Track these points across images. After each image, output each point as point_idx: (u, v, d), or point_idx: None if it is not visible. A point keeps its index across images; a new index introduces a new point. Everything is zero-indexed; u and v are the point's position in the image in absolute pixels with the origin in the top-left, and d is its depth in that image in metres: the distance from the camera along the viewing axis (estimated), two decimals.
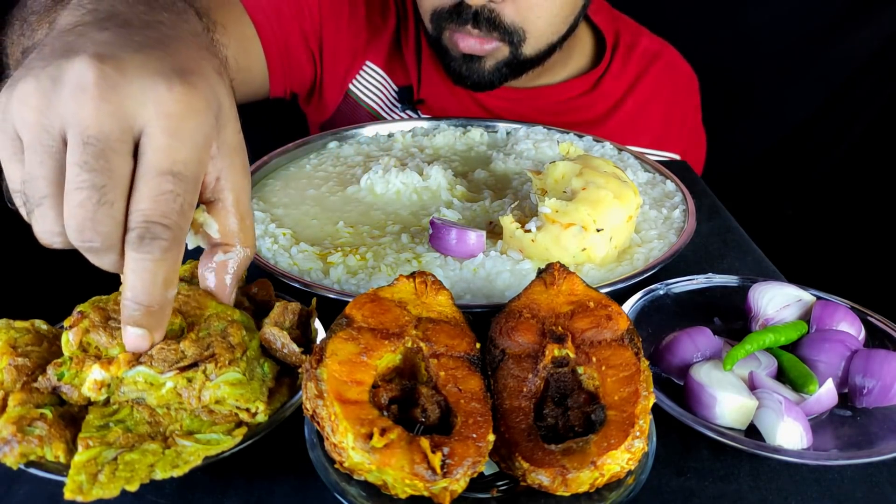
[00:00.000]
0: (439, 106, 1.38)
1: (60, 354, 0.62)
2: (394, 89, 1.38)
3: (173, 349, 0.56)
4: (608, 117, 1.41)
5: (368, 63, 1.37)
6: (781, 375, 0.69)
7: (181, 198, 0.51)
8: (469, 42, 1.17)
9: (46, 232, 0.53)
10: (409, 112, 1.39)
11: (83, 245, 0.51)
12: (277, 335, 0.63)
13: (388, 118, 1.39)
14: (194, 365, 0.56)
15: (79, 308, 0.61)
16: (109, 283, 0.90)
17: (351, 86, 1.37)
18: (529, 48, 1.20)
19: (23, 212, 0.54)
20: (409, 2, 1.37)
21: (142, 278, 0.52)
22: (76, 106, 0.49)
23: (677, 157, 1.44)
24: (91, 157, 0.49)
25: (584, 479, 0.51)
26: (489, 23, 1.14)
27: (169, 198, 0.51)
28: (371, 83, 1.38)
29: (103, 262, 0.53)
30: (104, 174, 0.49)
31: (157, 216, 0.50)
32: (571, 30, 1.26)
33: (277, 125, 1.62)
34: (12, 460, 0.53)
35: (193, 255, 0.63)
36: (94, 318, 0.60)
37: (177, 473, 0.51)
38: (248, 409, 0.56)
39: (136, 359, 0.56)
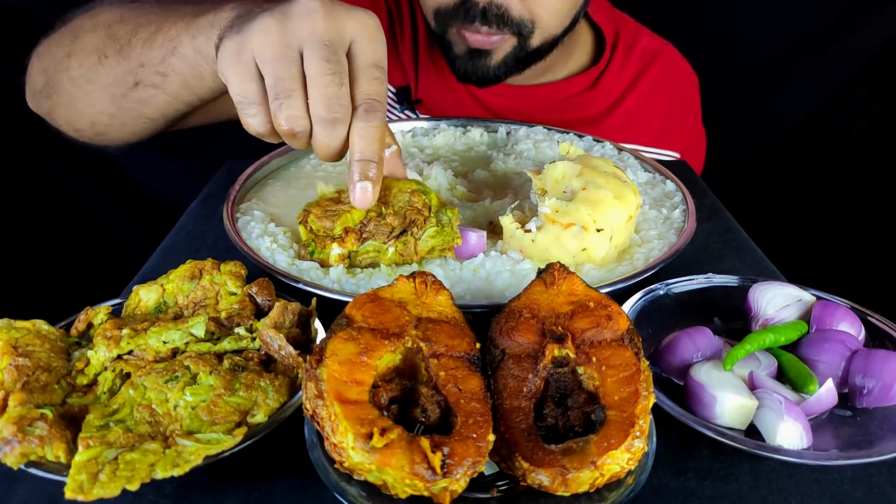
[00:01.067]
0: (438, 105, 1.38)
1: (61, 354, 0.62)
2: (391, 91, 1.38)
3: (385, 224, 0.78)
4: (608, 115, 1.41)
5: None
6: (781, 375, 0.69)
7: (384, 81, 0.74)
8: (477, 37, 1.17)
9: (292, 116, 0.71)
10: (407, 112, 1.38)
11: (330, 117, 0.70)
12: (274, 337, 0.63)
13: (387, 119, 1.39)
14: (403, 232, 0.79)
15: (303, 207, 0.81)
16: (109, 283, 0.91)
17: None
18: (536, 40, 1.20)
19: (252, 109, 0.73)
20: (405, 3, 1.37)
21: (368, 140, 0.72)
22: (311, 24, 0.70)
23: (677, 155, 1.44)
24: (330, 54, 0.70)
25: (584, 479, 0.51)
26: (498, 18, 1.14)
27: (379, 81, 0.73)
28: None
29: (337, 133, 0.72)
30: (340, 64, 0.70)
31: (375, 94, 0.72)
32: (573, 24, 1.26)
33: None
34: (13, 460, 0.53)
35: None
36: (316, 212, 0.79)
37: (177, 473, 0.51)
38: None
39: (361, 237, 0.78)
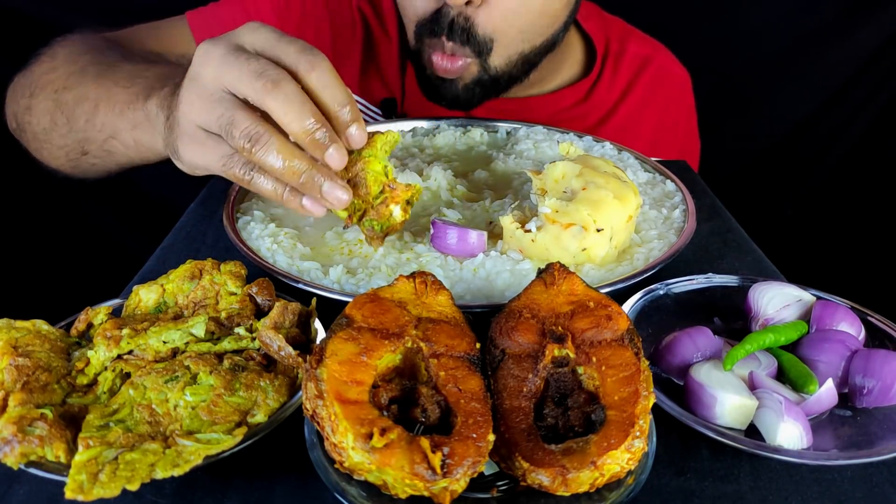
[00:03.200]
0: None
1: (61, 354, 0.62)
2: (372, 108, 1.37)
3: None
4: (600, 126, 1.40)
5: None
6: (781, 375, 0.69)
7: (303, 42, 0.72)
8: (442, 62, 1.14)
9: (242, 131, 0.70)
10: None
11: (263, 83, 0.68)
12: (273, 338, 0.63)
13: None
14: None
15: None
16: (109, 283, 0.91)
17: None
18: (498, 58, 1.15)
19: (233, 165, 0.75)
20: (392, 17, 1.35)
21: (330, 85, 0.71)
22: (213, 64, 0.71)
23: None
24: (236, 54, 0.70)
25: (584, 479, 0.51)
26: (463, 33, 1.10)
27: (296, 41, 0.72)
28: None
29: (286, 90, 0.69)
30: (250, 53, 0.71)
31: (302, 49, 0.71)
32: (552, 43, 1.22)
33: None
34: (13, 460, 0.53)
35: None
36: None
37: (177, 473, 0.51)
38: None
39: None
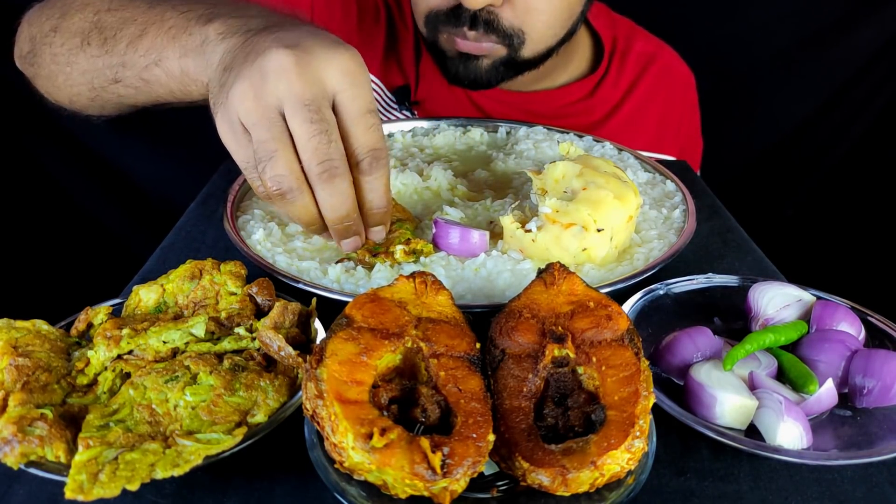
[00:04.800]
0: (437, 108, 1.38)
1: (61, 354, 0.62)
2: (387, 94, 1.38)
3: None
4: (605, 122, 1.41)
5: None
6: (781, 375, 0.69)
7: (379, 126, 0.72)
8: (466, 42, 1.17)
9: (276, 176, 0.70)
10: (405, 112, 1.38)
11: (326, 174, 0.69)
12: (273, 338, 0.63)
13: (384, 119, 1.38)
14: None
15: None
16: (109, 283, 0.91)
17: None
18: (528, 51, 1.19)
19: (254, 174, 0.72)
20: (408, 6, 1.37)
21: (378, 191, 0.74)
22: (287, 84, 0.67)
23: (673, 159, 1.44)
24: (313, 114, 0.67)
25: (584, 479, 0.51)
26: (487, 25, 1.12)
27: (374, 128, 0.71)
28: None
29: (339, 188, 0.71)
30: (326, 122, 0.68)
31: (374, 144, 0.71)
32: (570, 34, 1.25)
33: None
34: (13, 460, 0.53)
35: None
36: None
37: (177, 473, 0.51)
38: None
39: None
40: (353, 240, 0.78)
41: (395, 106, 1.38)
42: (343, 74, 0.69)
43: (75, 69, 0.98)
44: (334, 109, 0.70)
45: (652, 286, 0.78)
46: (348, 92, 0.70)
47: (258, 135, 0.69)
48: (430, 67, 1.35)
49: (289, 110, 0.68)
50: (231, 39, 0.76)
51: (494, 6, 1.11)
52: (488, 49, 1.17)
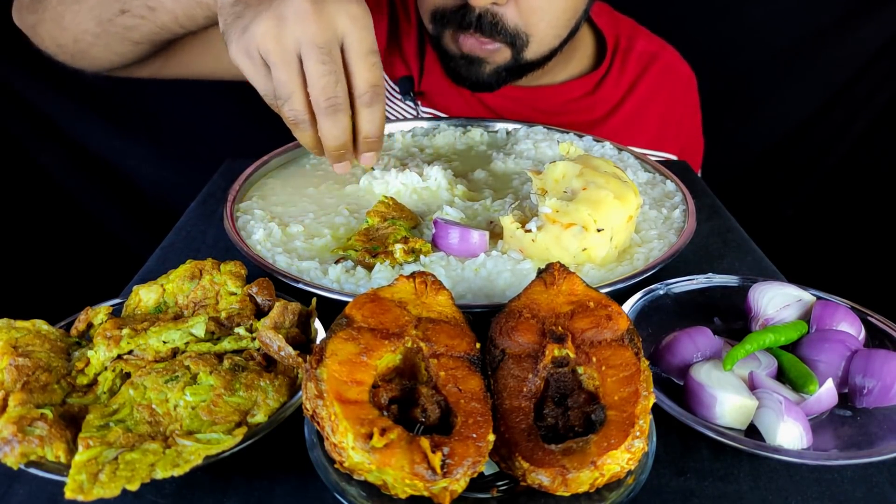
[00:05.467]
0: (440, 101, 1.38)
1: (61, 354, 0.62)
2: (391, 84, 1.39)
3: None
4: (606, 119, 1.42)
5: None
6: (781, 375, 0.69)
7: (379, 65, 0.81)
8: (470, 42, 1.17)
9: (294, 110, 0.80)
10: (409, 103, 1.38)
11: (330, 109, 0.79)
12: (273, 338, 0.63)
13: (388, 117, 1.38)
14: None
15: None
16: (109, 283, 0.91)
17: None
18: (531, 53, 1.20)
19: (273, 102, 0.82)
20: (412, 2, 1.37)
21: (374, 122, 0.83)
22: (304, 27, 0.75)
23: (674, 157, 1.44)
24: (325, 55, 0.76)
25: (584, 479, 0.51)
26: (492, 27, 1.13)
27: (375, 66, 0.80)
28: None
29: (340, 122, 0.80)
30: (335, 63, 0.77)
31: (373, 80, 0.80)
32: (572, 34, 1.26)
33: (277, 125, 1.62)
34: (13, 460, 0.53)
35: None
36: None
37: (177, 473, 0.51)
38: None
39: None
40: (344, 164, 0.87)
41: (399, 96, 1.38)
42: (352, 19, 0.77)
43: (83, 6, 1.04)
44: (341, 49, 0.79)
45: (652, 286, 0.78)
46: (355, 35, 0.78)
47: (279, 75, 0.77)
48: (435, 62, 1.35)
49: (305, 51, 0.76)
50: None
51: (499, 5, 1.11)
52: (493, 50, 1.18)
